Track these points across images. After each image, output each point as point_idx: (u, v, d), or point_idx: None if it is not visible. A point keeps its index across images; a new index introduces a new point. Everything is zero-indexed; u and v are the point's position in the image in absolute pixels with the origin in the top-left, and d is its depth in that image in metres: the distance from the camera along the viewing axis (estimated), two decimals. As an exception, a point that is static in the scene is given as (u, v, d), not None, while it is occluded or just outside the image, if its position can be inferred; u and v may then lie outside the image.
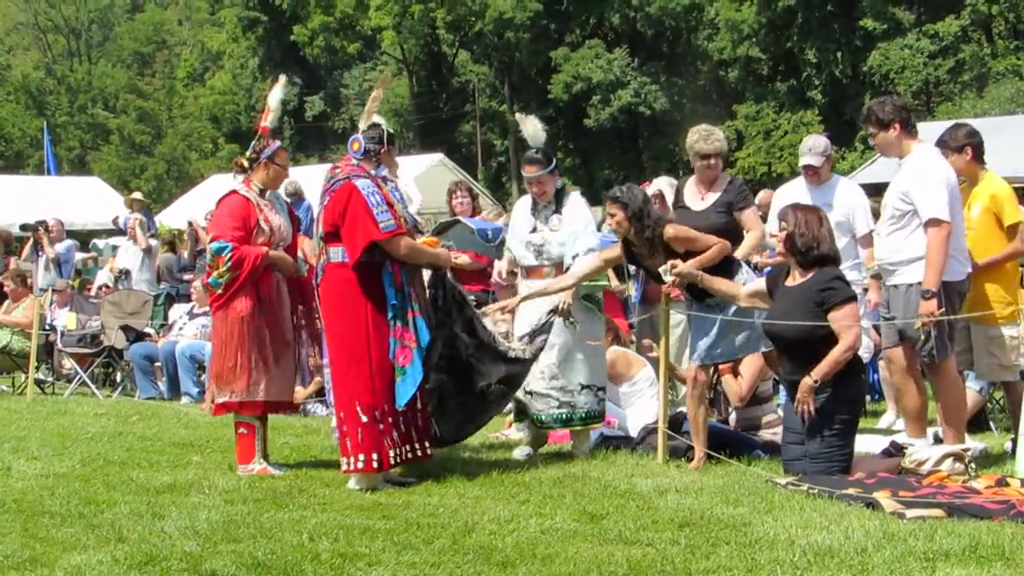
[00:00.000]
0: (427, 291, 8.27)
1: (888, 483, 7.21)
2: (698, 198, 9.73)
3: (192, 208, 23.42)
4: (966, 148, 8.74)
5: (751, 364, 9.15)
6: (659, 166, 51.17)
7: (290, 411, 9.44)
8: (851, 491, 6.99)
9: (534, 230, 9.02)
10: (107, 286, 18.02)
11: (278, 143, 8.84)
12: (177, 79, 76.46)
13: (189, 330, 14.79)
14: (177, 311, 15.80)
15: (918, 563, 5.43)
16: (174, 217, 27.88)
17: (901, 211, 8.13)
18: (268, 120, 8.81)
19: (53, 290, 17.18)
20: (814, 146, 9.89)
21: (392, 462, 7.88)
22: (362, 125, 8.32)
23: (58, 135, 64.16)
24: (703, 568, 5.44)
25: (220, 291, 8.46)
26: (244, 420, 8.56)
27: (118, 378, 15.86)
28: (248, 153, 8.75)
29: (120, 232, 18.43)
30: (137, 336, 15.31)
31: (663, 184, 11.18)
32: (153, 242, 18.30)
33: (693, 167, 9.84)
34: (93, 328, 15.84)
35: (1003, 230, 8.67)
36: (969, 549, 5.62)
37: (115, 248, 18.52)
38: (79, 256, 21.46)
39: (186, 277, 17.40)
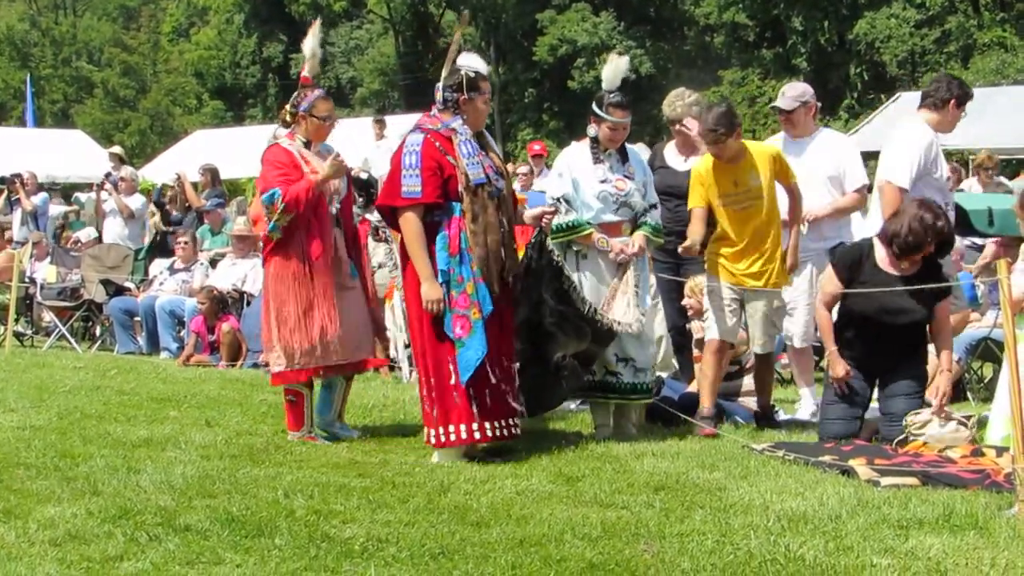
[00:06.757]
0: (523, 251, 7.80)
1: (864, 451, 7.25)
2: (681, 160, 9.62)
3: (176, 163, 23.29)
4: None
5: None
6: (643, 131, 51.01)
7: (357, 371, 8.64)
8: (826, 458, 7.03)
9: (605, 180, 8.13)
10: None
11: (318, 92, 8.26)
12: (162, 34, 75.88)
13: (169, 285, 14.76)
14: (158, 266, 15.75)
15: (892, 530, 5.45)
16: (157, 172, 27.73)
17: None
18: (308, 69, 8.35)
19: (32, 243, 17.11)
20: (787, 89, 9.28)
21: (463, 436, 7.28)
22: (444, 72, 7.63)
23: (42, 88, 63.70)
24: (677, 531, 5.45)
25: (279, 235, 7.95)
26: (292, 388, 8.16)
27: (97, 332, 15.87)
28: (288, 107, 8.30)
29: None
30: (117, 290, 15.28)
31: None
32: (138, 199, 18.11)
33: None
34: (73, 282, 15.81)
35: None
36: (943, 518, 5.64)
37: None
38: (62, 209, 21.37)
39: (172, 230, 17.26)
